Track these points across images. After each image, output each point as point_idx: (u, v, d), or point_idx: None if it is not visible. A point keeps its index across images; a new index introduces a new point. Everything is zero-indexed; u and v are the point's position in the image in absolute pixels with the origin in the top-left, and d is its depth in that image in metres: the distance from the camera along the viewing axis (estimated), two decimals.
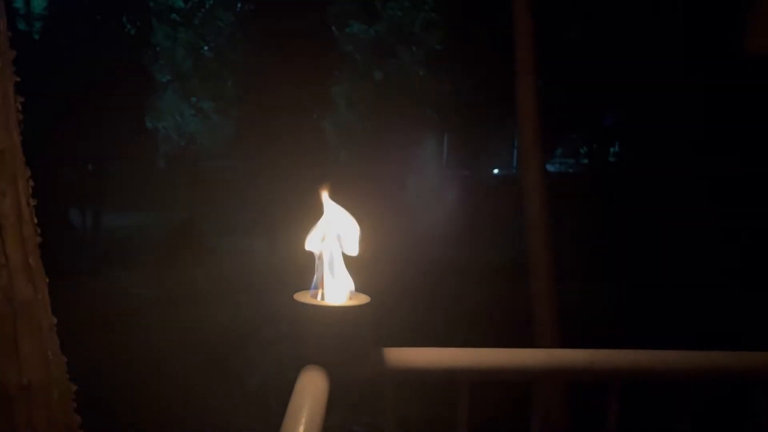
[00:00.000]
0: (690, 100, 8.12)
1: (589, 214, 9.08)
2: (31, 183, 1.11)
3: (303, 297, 0.87)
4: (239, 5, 12.28)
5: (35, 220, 1.12)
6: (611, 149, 13.72)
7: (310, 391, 0.77)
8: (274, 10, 10.19)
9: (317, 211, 0.90)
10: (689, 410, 0.92)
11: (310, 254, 0.91)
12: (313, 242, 0.90)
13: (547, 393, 3.73)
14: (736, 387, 0.93)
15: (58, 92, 8.91)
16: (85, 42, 9.33)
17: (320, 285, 0.90)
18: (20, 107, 1.09)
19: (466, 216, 10.07)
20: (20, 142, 1.09)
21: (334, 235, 0.89)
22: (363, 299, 0.87)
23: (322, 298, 0.89)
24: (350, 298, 0.88)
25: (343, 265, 0.90)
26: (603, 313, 6.35)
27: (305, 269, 0.92)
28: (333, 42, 11.56)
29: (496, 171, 15.42)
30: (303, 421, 0.71)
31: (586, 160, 14.19)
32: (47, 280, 1.15)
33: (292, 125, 9.92)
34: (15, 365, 1.02)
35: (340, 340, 0.84)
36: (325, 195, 0.90)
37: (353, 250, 0.89)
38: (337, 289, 0.89)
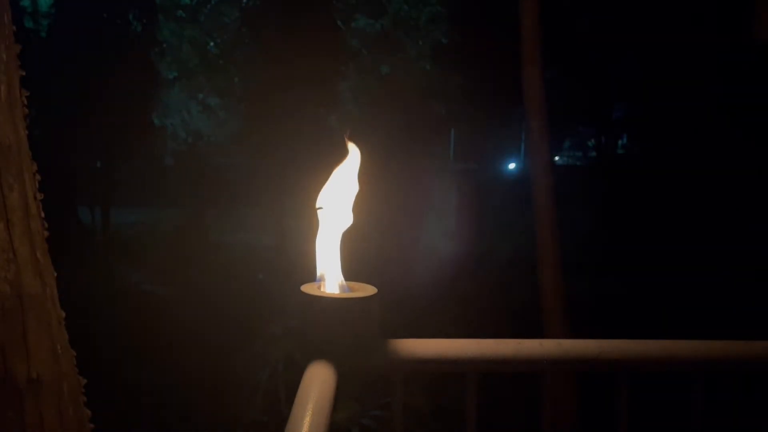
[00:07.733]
0: (699, 90, 8.05)
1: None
2: (38, 177, 1.11)
3: (310, 288, 0.87)
4: (245, 1, 12.27)
5: (42, 215, 1.12)
6: (620, 142, 13.66)
7: (318, 383, 0.76)
8: (279, 5, 10.18)
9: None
10: (701, 401, 0.91)
11: (317, 247, 0.90)
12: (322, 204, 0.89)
13: (557, 384, 3.72)
14: (749, 377, 0.92)
15: (66, 90, 8.94)
16: (92, 39, 9.35)
17: (326, 276, 0.89)
18: (26, 101, 1.09)
19: (474, 209, 10.04)
20: (26, 137, 1.08)
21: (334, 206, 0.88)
22: (370, 290, 0.87)
23: (330, 290, 0.88)
24: (357, 290, 0.88)
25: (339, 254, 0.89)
26: (611, 306, 6.33)
27: (312, 263, 0.91)
28: (339, 37, 11.53)
29: (512, 165, 15.24)
30: (310, 413, 0.70)
31: (594, 153, 14.14)
32: (55, 274, 1.15)
33: (299, 121, 9.91)
34: (24, 359, 1.02)
35: (347, 331, 0.83)
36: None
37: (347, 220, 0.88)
38: (343, 281, 0.89)
